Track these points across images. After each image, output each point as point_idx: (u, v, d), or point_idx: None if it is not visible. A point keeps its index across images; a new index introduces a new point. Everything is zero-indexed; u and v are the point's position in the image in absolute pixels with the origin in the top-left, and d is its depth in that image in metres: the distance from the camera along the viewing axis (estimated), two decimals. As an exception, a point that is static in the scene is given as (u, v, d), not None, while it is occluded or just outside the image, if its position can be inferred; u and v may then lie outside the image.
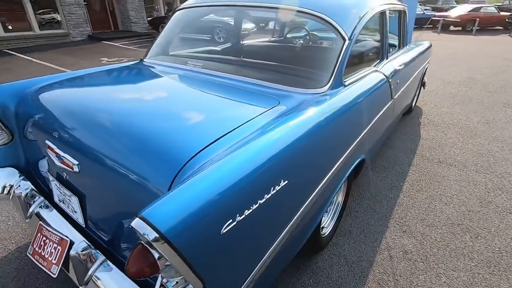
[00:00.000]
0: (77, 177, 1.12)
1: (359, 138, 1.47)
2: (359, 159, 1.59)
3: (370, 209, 2.06)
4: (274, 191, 0.87)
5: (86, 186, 1.12)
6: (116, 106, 1.21)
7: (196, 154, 0.86)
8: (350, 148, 1.39)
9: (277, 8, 1.51)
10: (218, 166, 0.76)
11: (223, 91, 1.37)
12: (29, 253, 1.28)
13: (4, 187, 1.42)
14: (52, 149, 1.19)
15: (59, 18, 9.48)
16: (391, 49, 2.37)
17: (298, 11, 1.48)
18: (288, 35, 2.59)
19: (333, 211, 1.75)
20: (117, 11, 10.91)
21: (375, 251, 1.73)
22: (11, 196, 1.38)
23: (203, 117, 1.08)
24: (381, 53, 1.98)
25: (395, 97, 2.04)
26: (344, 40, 1.38)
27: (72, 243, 1.11)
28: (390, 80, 1.90)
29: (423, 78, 3.65)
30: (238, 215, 0.74)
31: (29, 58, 7.23)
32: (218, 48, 2.34)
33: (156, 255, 0.61)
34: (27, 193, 1.33)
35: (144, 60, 1.92)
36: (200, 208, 0.66)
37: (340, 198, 1.78)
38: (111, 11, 10.81)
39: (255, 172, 0.80)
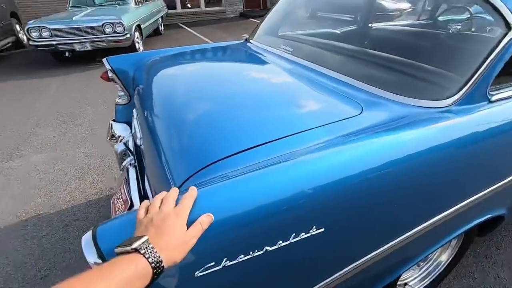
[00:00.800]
0: (139, 148, 1.20)
1: (494, 187, 0.94)
2: (490, 215, 1.04)
3: (500, 283, 1.40)
4: (298, 238, 0.62)
5: (144, 158, 1.18)
6: (186, 91, 1.19)
7: (218, 160, 0.71)
8: (471, 199, 0.90)
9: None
10: (221, 186, 0.59)
11: (300, 86, 1.13)
12: (112, 201, 1.51)
13: (119, 137, 1.72)
14: (134, 118, 1.31)
15: (221, -3, 10.84)
16: None
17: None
18: (433, 20, 1.94)
19: (427, 270, 1.26)
20: (268, -10, 11.46)
21: None
22: (120, 148, 1.66)
23: (255, 117, 0.90)
24: None
25: None
26: (509, 29, 0.85)
27: (131, 206, 1.22)
28: None
29: None
30: (226, 258, 0.56)
31: (192, 31, 8.65)
32: (338, 31, 2.01)
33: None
34: (121, 150, 1.56)
35: (250, 40, 1.85)
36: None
37: (444, 256, 1.26)
38: (263, -11, 11.46)
39: (271, 207, 0.59)
